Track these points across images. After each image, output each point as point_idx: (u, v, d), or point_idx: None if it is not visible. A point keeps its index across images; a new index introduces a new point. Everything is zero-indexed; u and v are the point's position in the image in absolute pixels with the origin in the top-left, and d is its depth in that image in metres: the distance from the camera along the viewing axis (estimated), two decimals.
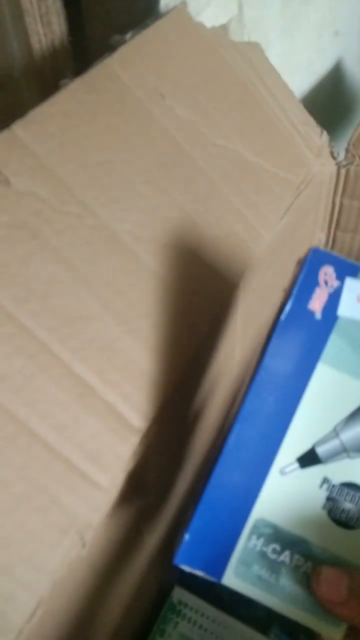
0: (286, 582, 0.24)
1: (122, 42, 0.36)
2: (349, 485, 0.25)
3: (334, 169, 0.45)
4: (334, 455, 0.25)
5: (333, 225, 0.49)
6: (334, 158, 0.46)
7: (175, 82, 0.37)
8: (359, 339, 0.26)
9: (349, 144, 0.48)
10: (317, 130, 0.46)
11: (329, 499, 0.25)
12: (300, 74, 0.58)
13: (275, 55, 0.50)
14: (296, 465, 0.25)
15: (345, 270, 0.27)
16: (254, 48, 0.43)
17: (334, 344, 0.26)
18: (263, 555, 0.24)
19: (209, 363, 0.34)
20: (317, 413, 0.26)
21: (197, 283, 0.33)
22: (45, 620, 0.25)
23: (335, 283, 0.27)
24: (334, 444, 0.25)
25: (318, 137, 0.45)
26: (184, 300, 0.32)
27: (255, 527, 0.25)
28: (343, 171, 0.45)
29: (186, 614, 0.46)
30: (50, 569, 0.25)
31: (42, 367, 0.27)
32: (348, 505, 0.25)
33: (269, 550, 0.24)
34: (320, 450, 0.25)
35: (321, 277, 0.27)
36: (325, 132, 0.46)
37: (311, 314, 0.26)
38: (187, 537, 0.24)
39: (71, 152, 0.31)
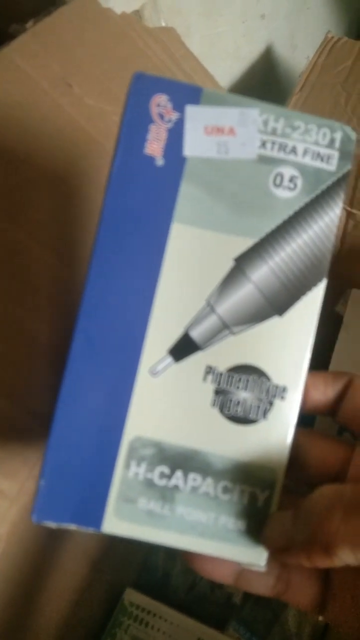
0: (184, 510, 0.20)
1: (22, 30, 0.35)
2: (239, 369, 0.20)
3: None
4: (213, 336, 0.20)
5: None
6: None
7: (83, 70, 0.36)
8: (216, 181, 0.21)
9: None
10: None
11: (217, 392, 0.20)
12: (228, 59, 0.57)
13: (197, 41, 0.49)
14: (169, 359, 0.20)
15: (183, 96, 0.21)
16: (169, 33, 0.42)
17: (187, 194, 0.20)
18: (149, 483, 0.20)
19: None
20: (182, 288, 0.20)
21: None
22: None
23: (174, 115, 0.20)
24: (210, 321, 0.20)
25: None
26: None
27: (132, 449, 0.20)
28: None
29: (138, 616, 0.45)
30: None
31: None
32: (242, 394, 0.20)
33: (155, 475, 0.20)
34: (196, 333, 0.20)
35: (154, 110, 0.20)
36: None
37: (150, 160, 0.20)
38: (42, 482, 0.19)
39: None
